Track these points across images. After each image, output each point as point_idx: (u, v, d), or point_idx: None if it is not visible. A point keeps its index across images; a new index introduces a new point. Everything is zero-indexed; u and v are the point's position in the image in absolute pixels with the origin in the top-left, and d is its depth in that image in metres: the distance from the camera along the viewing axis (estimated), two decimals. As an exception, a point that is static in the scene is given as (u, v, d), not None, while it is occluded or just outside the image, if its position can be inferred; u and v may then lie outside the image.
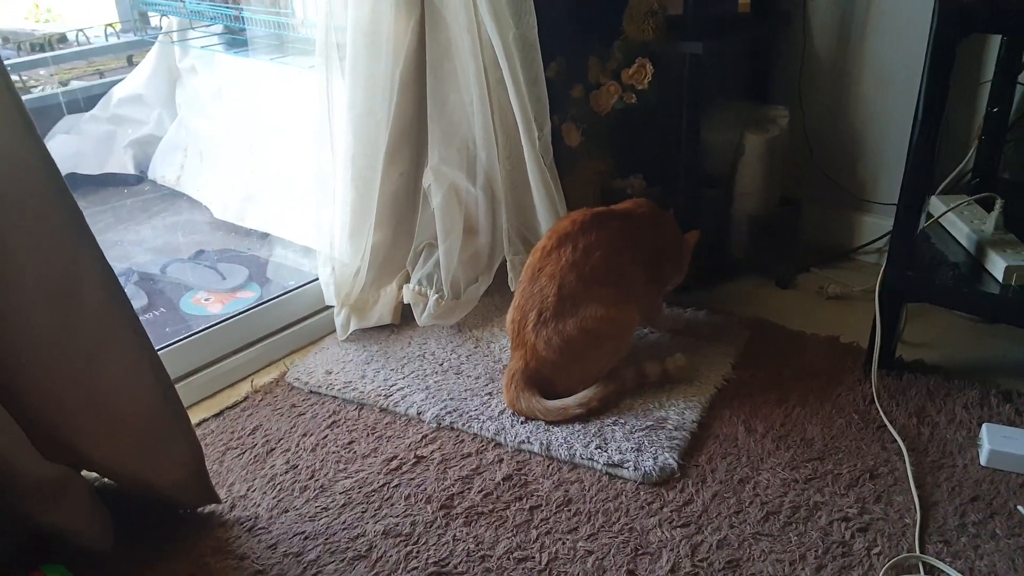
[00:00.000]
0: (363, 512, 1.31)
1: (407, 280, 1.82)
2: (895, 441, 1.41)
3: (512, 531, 1.26)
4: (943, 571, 1.16)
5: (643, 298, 1.62)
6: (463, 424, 1.50)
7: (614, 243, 1.54)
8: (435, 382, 1.62)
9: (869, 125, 2.03)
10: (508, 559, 1.21)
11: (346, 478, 1.39)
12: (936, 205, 1.72)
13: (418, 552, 1.23)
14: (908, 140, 1.45)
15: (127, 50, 2.65)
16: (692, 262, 1.73)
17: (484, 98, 1.65)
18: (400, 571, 1.20)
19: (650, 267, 1.61)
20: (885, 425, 1.45)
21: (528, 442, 1.44)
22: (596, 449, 1.40)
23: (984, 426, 1.40)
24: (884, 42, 1.95)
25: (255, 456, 1.45)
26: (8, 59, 2.39)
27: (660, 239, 1.65)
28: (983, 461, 1.36)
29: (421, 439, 1.48)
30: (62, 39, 2.49)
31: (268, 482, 1.39)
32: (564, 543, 1.24)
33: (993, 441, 1.36)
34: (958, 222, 1.64)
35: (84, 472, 1.23)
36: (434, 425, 1.51)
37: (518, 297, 1.55)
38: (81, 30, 2.49)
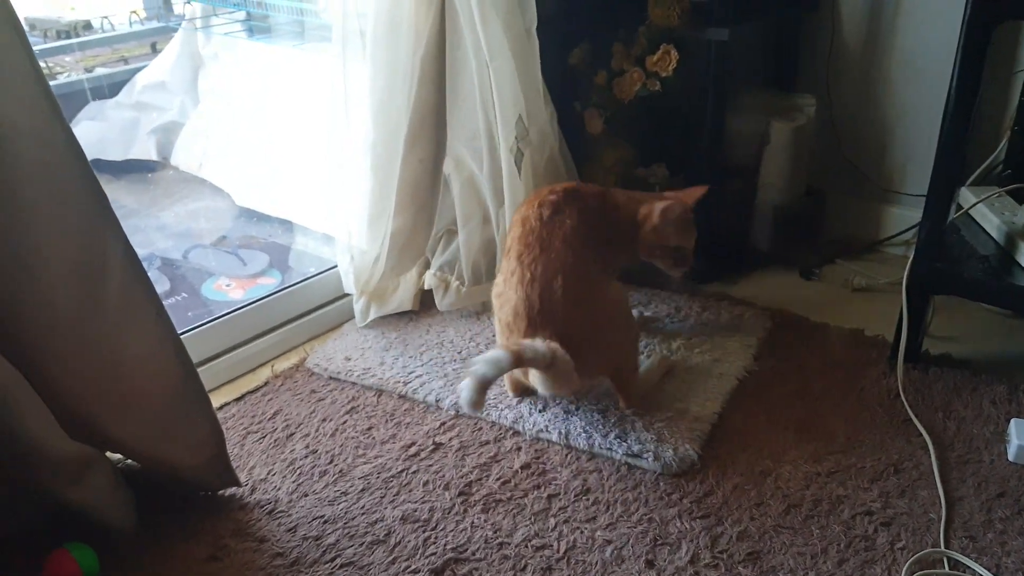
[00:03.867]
0: (381, 497, 1.31)
1: (427, 266, 1.82)
2: (920, 435, 1.39)
3: (530, 519, 1.26)
4: (968, 567, 1.15)
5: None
6: (481, 412, 1.49)
7: (596, 214, 1.50)
8: (453, 370, 1.62)
9: (898, 115, 1.99)
10: (526, 547, 1.21)
11: (365, 463, 1.39)
12: (966, 196, 1.69)
13: (436, 538, 1.23)
14: (938, 130, 1.42)
15: (151, 37, 2.66)
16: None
17: (485, 89, 1.63)
18: (418, 556, 1.20)
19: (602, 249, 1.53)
20: (910, 419, 1.43)
21: (546, 431, 1.44)
22: (615, 439, 1.39)
23: (1012, 421, 1.37)
24: (915, 29, 1.91)
25: (275, 440, 1.46)
26: (35, 46, 2.41)
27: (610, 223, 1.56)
28: (1011, 457, 1.34)
29: (439, 426, 1.48)
30: (87, 26, 2.51)
31: (288, 466, 1.39)
32: (582, 532, 1.23)
33: (1022, 436, 1.33)
34: (988, 214, 1.61)
35: (108, 453, 1.24)
36: (452, 412, 1.51)
37: (527, 271, 1.40)
38: (106, 17, 2.51)
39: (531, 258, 1.41)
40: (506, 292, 1.42)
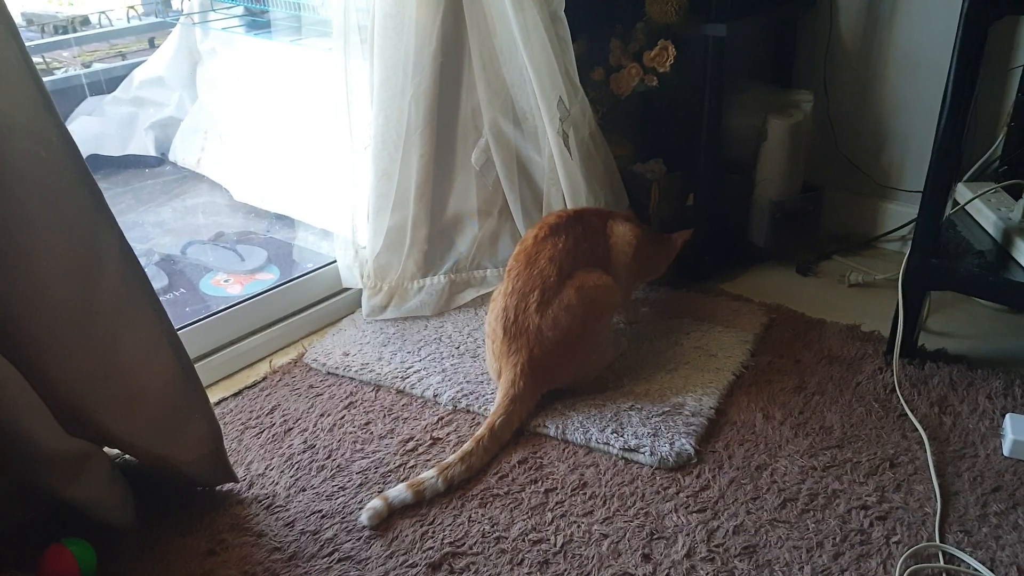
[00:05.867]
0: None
1: (457, 271, 1.83)
2: (916, 430, 1.40)
3: (527, 513, 1.26)
4: (963, 561, 1.15)
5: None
6: (479, 407, 1.50)
7: (594, 237, 1.58)
8: (451, 365, 1.62)
9: (895, 111, 1.99)
10: (523, 541, 1.21)
11: (363, 458, 1.40)
12: (962, 192, 1.69)
13: (433, 532, 1.23)
14: (935, 126, 1.42)
15: (149, 32, 2.66)
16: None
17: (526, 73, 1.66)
18: (415, 551, 1.20)
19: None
20: (906, 414, 1.44)
21: (543, 426, 1.44)
22: (612, 434, 1.40)
23: (1008, 416, 1.38)
24: (912, 25, 1.91)
25: (273, 435, 1.46)
26: (32, 41, 2.42)
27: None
28: (1006, 451, 1.34)
29: (437, 421, 1.48)
30: (85, 21, 2.51)
31: (286, 461, 1.40)
32: (579, 526, 1.24)
33: (1017, 431, 1.34)
34: (985, 209, 1.62)
35: (106, 449, 1.24)
36: (450, 407, 1.51)
37: (511, 283, 1.49)
38: (103, 12, 2.51)
39: (516, 272, 1.50)
40: (496, 300, 1.52)
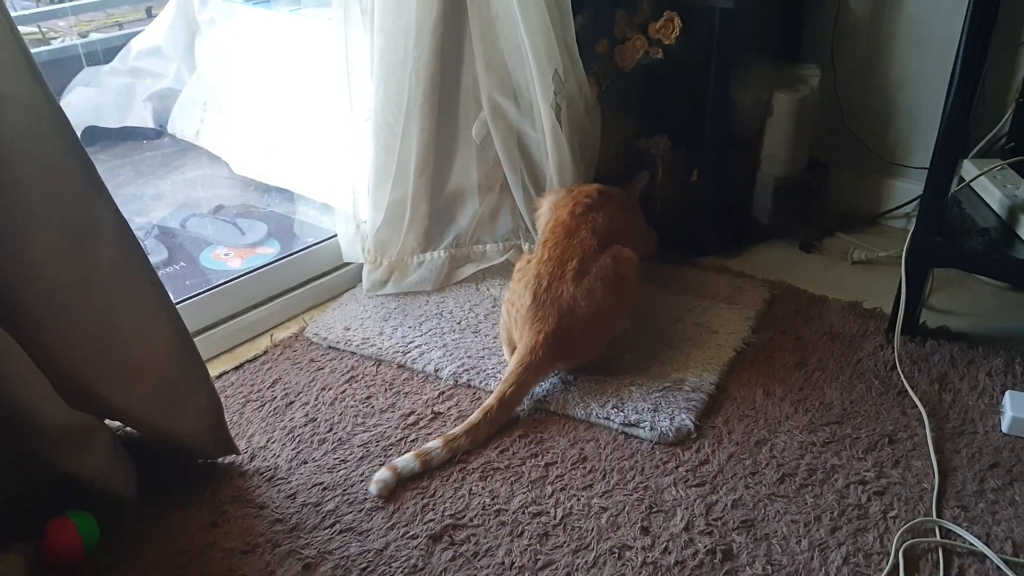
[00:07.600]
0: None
1: (457, 247, 1.82)
2: (915, 406, 1.40)
3: (527, 486, 1.27)
4: (959, 535, 1.16)
5: None
6: (480, 382, 1.50)
7: (622, 213, 1.62)
8: (452, 340, 1.62)
9: (903, 86, 1.97)
10: (523, 513, 1.22)
11: (364, 432, 1.40)
12: (968, 169, 1.68)
13: (434, 505, 1.24)
14: (942, 102, 1.40)
15: (146, 1, 2.62)
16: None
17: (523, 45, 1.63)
18: (416, 523, 1.21)
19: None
20: (906, 390, 1.44)
21: (544, 400, 1.44)
22: (612, 408, 1.40)
23: (1007, 393, 1.38)
24: (921, -1, 1.88)
25: (274, 409, 1.47)
26: (28, 10, 2.38)
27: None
28: (1005, 428, 1.35)
29: (438, 395, 1.49)
30: (81, -10, 2.47)
31: (287, 434, 1.40)
32: (579, 499, 1.24)
33: (1016, 408, 1.34)
34: (990, 187, 1.60)
35: (108, 421, 1.24)
36: (451, 382, 1.52)
37: (547, 252, 1.48)
38: (100, -20, 2.47)
39: (554, 242, 1.49)
40: (525, 268, 1.50)
